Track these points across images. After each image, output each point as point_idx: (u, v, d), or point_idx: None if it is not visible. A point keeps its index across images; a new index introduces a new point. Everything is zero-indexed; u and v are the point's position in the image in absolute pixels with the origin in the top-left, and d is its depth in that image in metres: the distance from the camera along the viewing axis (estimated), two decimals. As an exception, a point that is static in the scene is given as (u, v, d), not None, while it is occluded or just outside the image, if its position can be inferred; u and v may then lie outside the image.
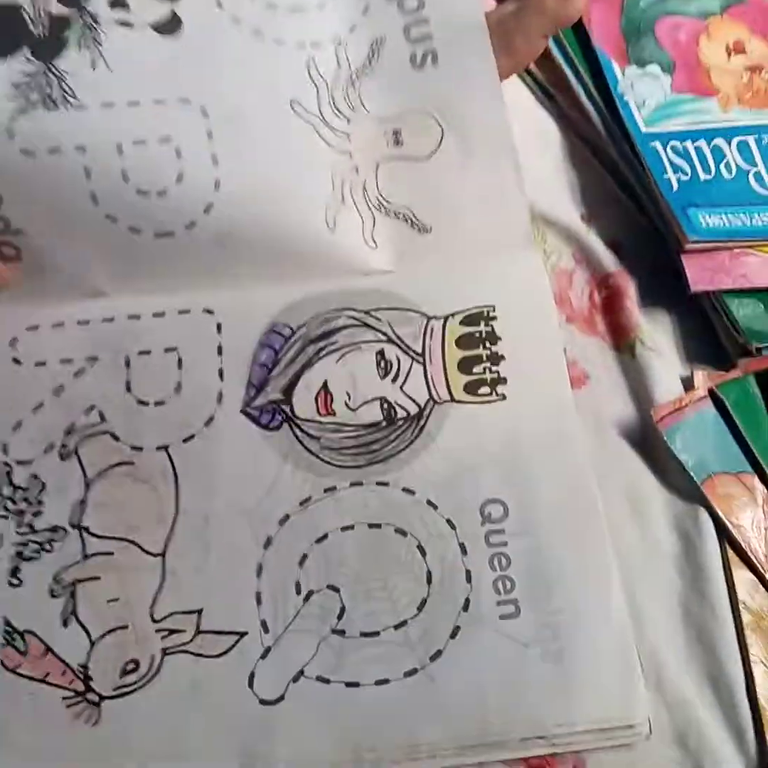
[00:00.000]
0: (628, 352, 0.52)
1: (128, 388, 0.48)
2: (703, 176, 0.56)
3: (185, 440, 0.46)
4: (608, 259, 0.56)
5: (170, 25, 0.49)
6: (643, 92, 0.60)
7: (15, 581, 0.43)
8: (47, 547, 0.44)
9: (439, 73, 0.51)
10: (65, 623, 0.43)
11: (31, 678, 0.42)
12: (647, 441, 0.50)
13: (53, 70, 0.47)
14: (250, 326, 0.49)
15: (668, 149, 0.57)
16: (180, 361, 0.48)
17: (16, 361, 0.48)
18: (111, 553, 0.44)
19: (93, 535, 0.44)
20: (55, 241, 0.48)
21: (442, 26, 0.52)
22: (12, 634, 0.42)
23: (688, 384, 0.51)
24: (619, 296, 0.54)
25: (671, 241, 0.54)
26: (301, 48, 0.50)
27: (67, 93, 0.46)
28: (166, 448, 0.46)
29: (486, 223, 0.52)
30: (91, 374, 0.48)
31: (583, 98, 0.62)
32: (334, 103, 0.51)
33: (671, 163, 0.56)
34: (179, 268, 0.49)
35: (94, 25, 0.48)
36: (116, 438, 0.47)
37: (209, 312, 0.50)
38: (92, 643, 0.42)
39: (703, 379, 0.51)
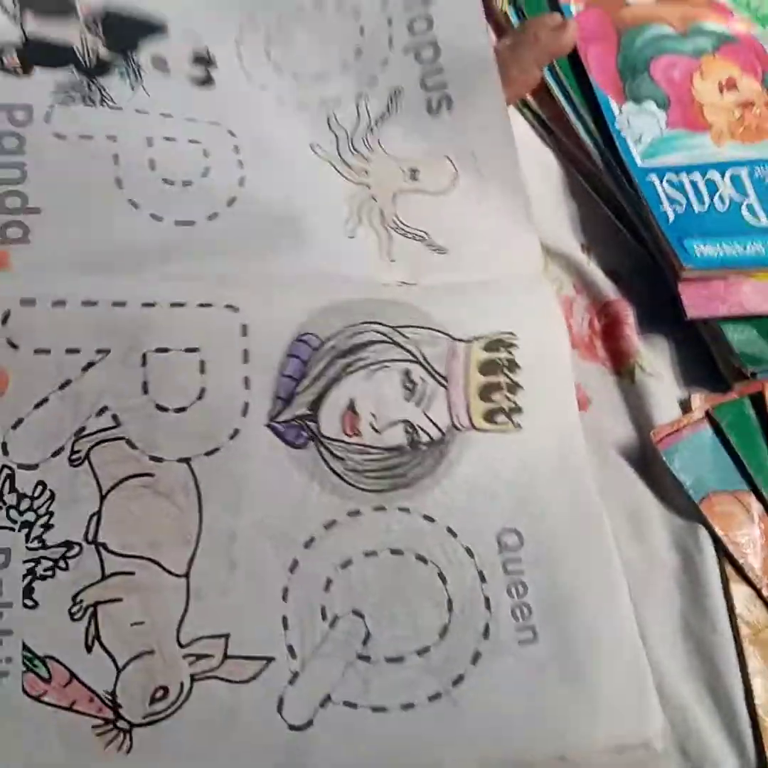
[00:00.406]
0: (628, 377, 0.55)
1: (145, 390, 0.43)
2: (697, 208, 0.58)
3: (208, 453, 0.43)
4: (608, 288, 0.58)
5: (205, 82, 0.53)
6: (639, 128, 0.63)
7: (30, 602, 0.40)
8: (61, 564, 0.41)
9: (454, 118, 0.55)
10: (89, 648, 0.40)
11: (57, 706, 0.40)
12: (647, 462, 0.52)
13: (96, 82, 0.50)
14: (277, 331, 0.46)
15: (664, 182, 0.60)
16: (202, 364, 0.44)
17: (12, 344, 0.42)
18: (132, 573, 0.41)
19: (111, 552, 0.41)
20: (70, 225, 0.47)
21: (456, 74, 0.56)
22: (33, 660, 0.40)
23: (686, 407, 0.53)
24: (619, 323, 0.56)
25: (668, 270, 0.56)
26: (322, 106, 0.55)
27: (105, 98, 0.50)
28: (187, 460, 0.43)
29: (501, 253, 0.54)
30: (102, 369, 0.43)
31: (582, 133, 0.65)
32: (352, 147, 0.54)
33: (667, 195, 0.59)
34: (199, 259, 0.47)
35: (137, 69, 0.52)
36: (133, 445, 0.43)
37: (233, 309, 0.45)
38: (119, 669, 0.40)
39: (700, 401, 0.53)
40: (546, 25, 0.61)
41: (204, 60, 0.54)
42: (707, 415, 0.52)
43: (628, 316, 0.57)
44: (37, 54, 0.50)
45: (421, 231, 0.53)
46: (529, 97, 0.67)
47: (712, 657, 0.46)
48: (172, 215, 0.48)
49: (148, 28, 0.54)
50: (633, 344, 0.55)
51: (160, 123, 0.50)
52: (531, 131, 0.67)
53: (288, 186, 0.51)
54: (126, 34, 0.53)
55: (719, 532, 0.49)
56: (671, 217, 0.58)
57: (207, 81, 0.53)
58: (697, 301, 0.55)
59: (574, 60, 0.67)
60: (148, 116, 0.50)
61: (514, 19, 0.71)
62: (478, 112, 0.56)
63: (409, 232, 0.53)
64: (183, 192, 0.49)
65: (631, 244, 0.60)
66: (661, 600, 0.47)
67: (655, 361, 0.55)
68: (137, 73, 0.52)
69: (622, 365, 0.55)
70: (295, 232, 0.49)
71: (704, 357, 0.55)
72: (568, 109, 0.66)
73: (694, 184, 0.60)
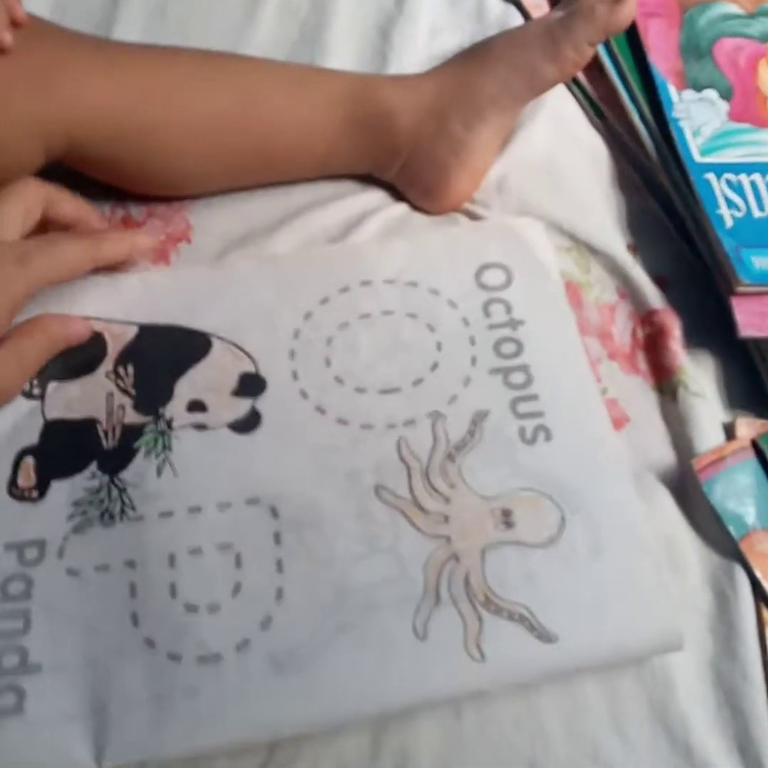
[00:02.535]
0: (670, 395, 0.51)
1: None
2: (757, 213, 0.54)
3: None
4: (653, 295, 0.54)
5: (248, 423, 0.46)
6: (699, 118, 0.58)
7: None
8: None
9: (554, 449, 0.46)
10: None
11: None
12: (685, 489, 0.49)
13: (117, 483, 0.44)
14: None
15: (722, 182, 0.55)
16: None
17: None
18: None
19: None
20: (79, 670, 0.41)
21: (554, 402, 0.47)
22: None
23: (730, 432, 0.50)
24: (663, 335, 0.53)
25: (720, 282, 0.52)
26: (391, 428, 0.47)
27: (126, 505, 0.44)
28: None
29: (625, 631, 0.42)
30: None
31: (636, 119, 0.60)
32: (429, 480, 0.45)
33: (725, 197, 0.54)
34: (226, 699, 0.41)
35: (167, 431, 0.46)
36: None
37: None
38: None
39: (746, 428, 0.50)
40: None
41: (251, 388, 0.47)
42: (753, 443, 0.49)
43: (675, 328, 0.53)
44: (54, 456, 0.45)
45: (521, 605, 0.42)
46: (579, 73, 0.62)
47: (742, 708, 0.43)
48: (193, 651, 0.41)
49: (188, 350, 0.48)
50: (678, 359, 0.52)
51: (188, 526, 0.44)
52: (579, 111, 0.63)
53: (335, 585, 0.42)
54: (160, 367, 0.47)
55: (758, 575, 0.46)
56: (728, 222, 0.53)
57: (250, 420, 0.46)
58: (751, 319, 0.51)
59: (632, 35, 0.62)
60: (173, 519, 0.44)
61: (568, -15, 0.66)
62: (582, 445, 0.47)
63: (505, 608, 0.42)
64: (208, 618, 0.42)
65: (682, 249, 0.56)
66: (691, 643, 0.45)
67: (700, 379, 0.51)
68: (168, 435, 0.46)
69: (664, 381, 0.52)
70: (346, 648, 0.42)
71: (753, 378, 0.52)
72: (622, 90, 0.61)
73: (754, 186, 0.55)
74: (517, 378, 0.48)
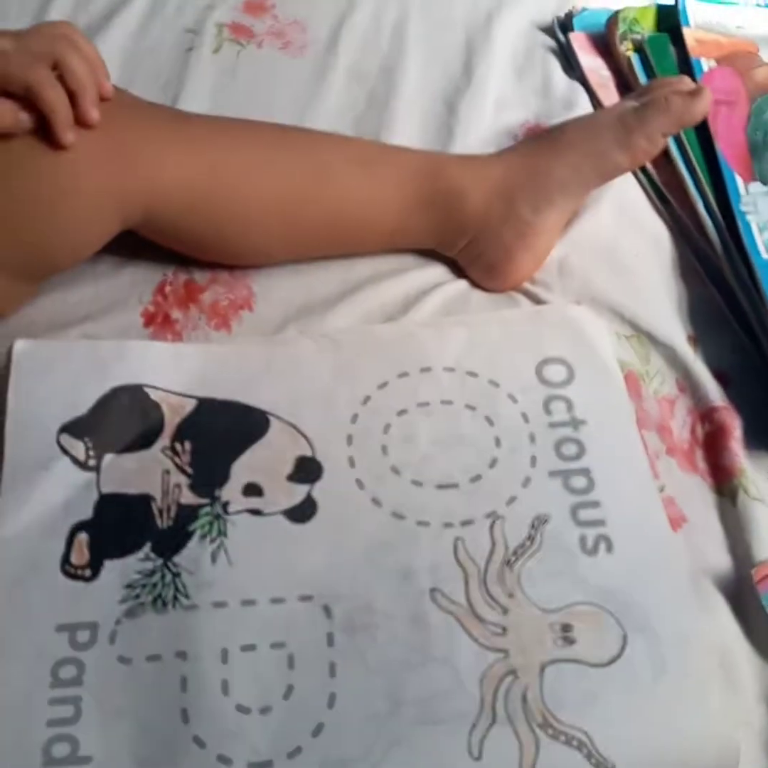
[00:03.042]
0: (730, 498, 0.50)
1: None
2: (823, 315, 0.53)
3: None
4: (714, 391, 0.53)
5: (304, 512, 0.46)
6: (766, 213, 0.58)
7: None
8: None
9: (615, 561, 0.45)
10: None
11: None
12: (742, 598, 0.47)
13: (170, 567, 0.44)
14: None
15: (789, 280, 0.55)
16: None
17: None
18: None
19: None
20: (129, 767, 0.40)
21: (616, 510, 0.46)
22: None
23: (790, 540, 0.49)
24: (724, 434, 0.52)
25: (784, 383, 0.52)
26: (447, 527, 0.45)
27: (179, 592, 0.43)
28: None
29: (684, 753, 0.42)
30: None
31: (701, 208, 0.60)
32: (486, 587, 0.44)
33: (791, 296, 0.54)
34: None
35: (223, 515, 0.45)
36: None
37: None
38: None
39: (807, 538, 0.49)
40: (678, 90, 0.54)
41: (308, 473, 0.47)
42: (814, 554, 0.48)
43: (735, 428, 0.52)
44: (108, 532, 0.44)
45: (580, 730, 0.40)
46: (645, 159, 0.62)
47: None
48: (245, 753, 0.40)
49: (246, 428, 0.47)
50: (738, 460, 0.51)
51: (241, 619, 0.43)
52: (643, 196, 0.62)
53: (390, 697, 0.41)
54: (218, 445, 0.47)
55: (816, 695, 0.44)
56: (794, 322, 0.53)
57: (306, 508, 0.46)
58: (815, 425, 0.50)
59: (701, 124, 0.62)
60: (226, 611, 0.43)
61: (637, 67, 0.66)
62: (644, 557, 0.45)
63: (562, 732, 0.40)
64: (260, 720, 0.40)
65: (744, 343, 0.55)
66: (744, 763, 0.43)
67: (761, 484, 0.50)
68: (223, 520, 0.45)
69: (723, 483, 0.51)
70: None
71: (816, 485, 0.51)
72: (687, 178, 0.61)
73: (821, 286, 0.55)
74: (579, 483, 0.47)
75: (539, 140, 0.57)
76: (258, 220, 0.52)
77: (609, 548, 0.45)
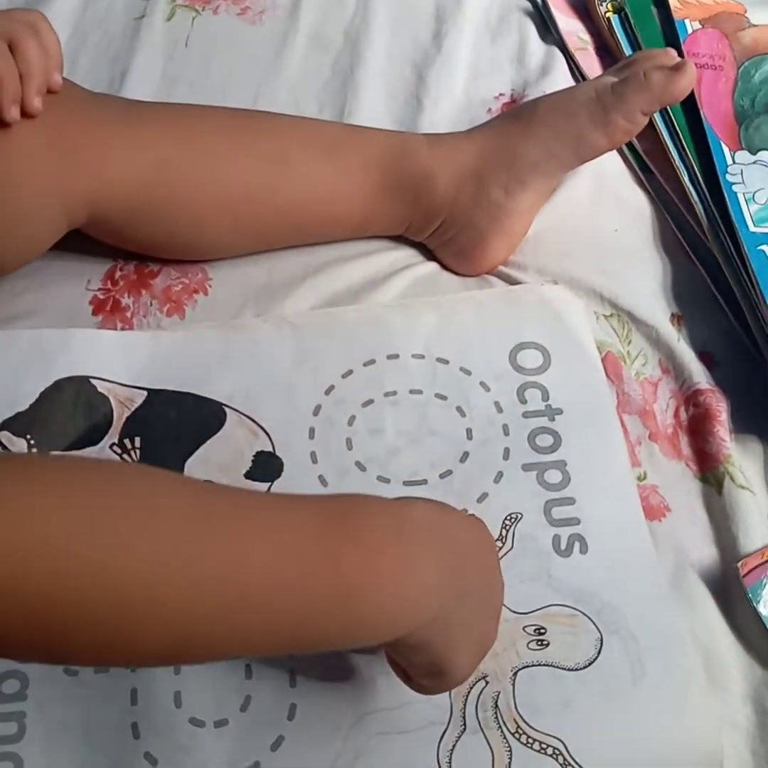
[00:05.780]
0: (715, 486, 0.48)
1: None
2: (814, 291, 0.50)
3: None
4: (699, 373, 0.51)
5: None
6: (754, 183, 0.55)
7: None
8: None
9: (590, 562, 0.43)
10: None
11: None
12: (727, 591, 0.45)
13: None
14: None
15: (778, 254, 0.52)
16: None
17: None
18: None
19: None
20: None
21: (590, 507, 0.44)
22: None
23: (778, 530, 0.46)
24: (709, 418, 0.49)
25: (772, 363, 0.49)
26: None
27: None
28: None
29: (665, 758, 0.40)
30: None
31: (686, 179, 0.56)
32: None
33: (780, 271, 0.51)
34: None
35: None
36: None
37: None
38: None
39: (796, 527, 0.46)
40: (659, 64, 0.50)
41: (267, 470, 0.45)
42: (803, 544, 0.45)
43: (721, 412, 0.49)
44: None
45: (553, 737, 0.39)
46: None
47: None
48: None
49: (200, 422, 0.45)
50: (723, 446, 0.48)
51: None
52: (624, 167, 0.59)
53: (355, 708, 0.39)
54: (170, 441, 0.44)
55: (806, 693, 0.42)
56: (783, 300, 0.50)
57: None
58: (806, 406, 0.47)
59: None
60: None
61: (618, 30, 0.63)
62: (619, 556, 0.43)
63: (535, 740, 0.39)
64: (215, 736, 0.38)
65: (730, 322, 0.52)
66: (730, 762, 0.41)
67: (748, 471, 0.48)
68: None
69: (708, 470, 0.48)
70: None
71: (806, 471, 0.48)
72: (671, 146, 0.58)
73: (812, 259, 0.52)
74: (553, 477, 0.44)
75: (512, 118, 0.53)
76: (210, 217, 0.49)
77: (583, 549, 0.43)
